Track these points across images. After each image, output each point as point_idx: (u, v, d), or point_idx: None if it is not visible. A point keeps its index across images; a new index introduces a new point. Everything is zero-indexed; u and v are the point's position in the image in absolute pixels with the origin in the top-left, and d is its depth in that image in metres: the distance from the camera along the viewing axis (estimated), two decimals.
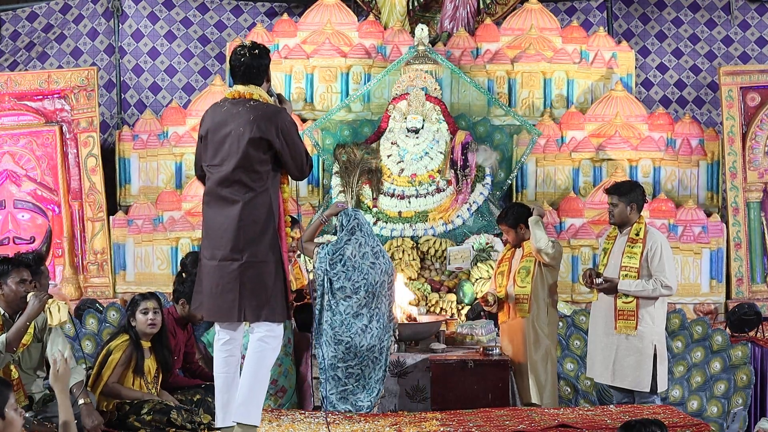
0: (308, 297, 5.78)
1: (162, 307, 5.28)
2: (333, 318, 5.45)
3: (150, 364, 5.20)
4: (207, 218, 4.64)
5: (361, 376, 5.48)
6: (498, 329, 6.51)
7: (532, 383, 6.03)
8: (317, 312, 5.49)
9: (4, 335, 4.63)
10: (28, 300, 4.63)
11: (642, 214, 5.89)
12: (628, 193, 5.84)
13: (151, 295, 5.26)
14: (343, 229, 5.52)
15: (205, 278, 4.59)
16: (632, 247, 5.75)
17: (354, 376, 5.48)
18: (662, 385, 5.74)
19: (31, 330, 4.76)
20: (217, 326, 4.74)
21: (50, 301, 4.64)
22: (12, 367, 4.70)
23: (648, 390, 5.67)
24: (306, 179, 4.55)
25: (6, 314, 4.76)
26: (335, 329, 5.44)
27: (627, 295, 5.70)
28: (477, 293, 7.25)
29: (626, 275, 5.72)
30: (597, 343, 5.89)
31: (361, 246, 5.46)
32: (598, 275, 5.85)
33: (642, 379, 5.67)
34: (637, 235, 5.75)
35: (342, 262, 5.42)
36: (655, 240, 5.73)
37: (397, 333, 5.83)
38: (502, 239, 7.38)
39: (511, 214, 6.26)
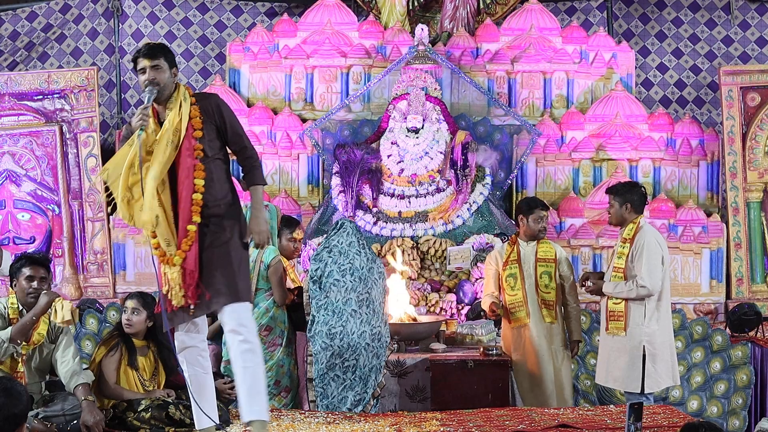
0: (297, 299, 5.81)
1: (149, 307, 5.20)
2: (326, 312, 5.50)
3: (144, 362, 5.15)
4: None
5: (357, 366, 5.50)
6: (499, 330, 6.48)
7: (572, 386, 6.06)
8: (313, 315, 5.54)
9: (10, 328, 4.70)
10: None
11: (641, 214, 5.87)
12: (624, 194, 5.80)
13: (137, 295, 5.19)
14: (330, 229, 5.70)
15: None
16: (622, 248, 5.75)
17: (351, 368, 5.51)
18: (652, 386, 5.69)
19: (43, 331, 4.79)
20: None
21: (57, 300, 4.69)
22: (20, 361, 4.73)
23: (638, 391, 5.65)
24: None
25: (25, 309, 4.82)
26: (329, 324, 5.50)
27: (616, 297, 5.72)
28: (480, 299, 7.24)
29: (615, 275, 5.73)
30: (600, 345, 5.93)
31: (348, 235, 5.59)
32: (601, 277, 5.86)
33: (632, 380, 5.66)
34: (629, 235, 5.75)
35: (329, 250, 5.55)
36: (641, 239, 5.69)
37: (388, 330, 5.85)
38: (502, 239, 7.36)
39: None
